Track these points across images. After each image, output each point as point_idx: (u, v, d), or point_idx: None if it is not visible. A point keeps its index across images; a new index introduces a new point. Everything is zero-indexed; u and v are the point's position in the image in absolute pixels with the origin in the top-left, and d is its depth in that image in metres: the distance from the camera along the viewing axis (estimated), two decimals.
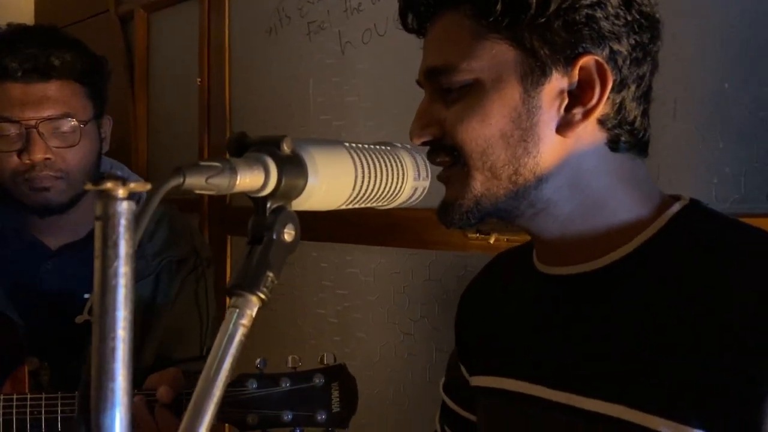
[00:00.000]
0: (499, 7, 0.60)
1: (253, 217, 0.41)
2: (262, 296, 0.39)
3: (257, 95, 1.57)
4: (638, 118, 0.64)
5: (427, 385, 1.23)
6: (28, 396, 0.98)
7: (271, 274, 0.39)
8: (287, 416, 0.87)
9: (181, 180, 0.35)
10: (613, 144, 0.64)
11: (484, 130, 0.62)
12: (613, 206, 0.64)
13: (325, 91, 1.41)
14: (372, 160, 0.49)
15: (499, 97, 0.62)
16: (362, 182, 0.48)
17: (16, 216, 1.11)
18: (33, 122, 1.03)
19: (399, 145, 0.57)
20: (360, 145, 0.50)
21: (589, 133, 0.63)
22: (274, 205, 0.41)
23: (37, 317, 1.09)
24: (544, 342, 0.68)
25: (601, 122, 0.63)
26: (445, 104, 0.65)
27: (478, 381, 0.76)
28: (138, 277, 1.11)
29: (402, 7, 0.69)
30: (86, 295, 1.12)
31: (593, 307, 0.64)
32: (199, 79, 1.68)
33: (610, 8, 0.60)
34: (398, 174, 0.53)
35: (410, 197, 0.57)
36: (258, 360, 0.89)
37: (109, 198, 0.29)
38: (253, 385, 0.87)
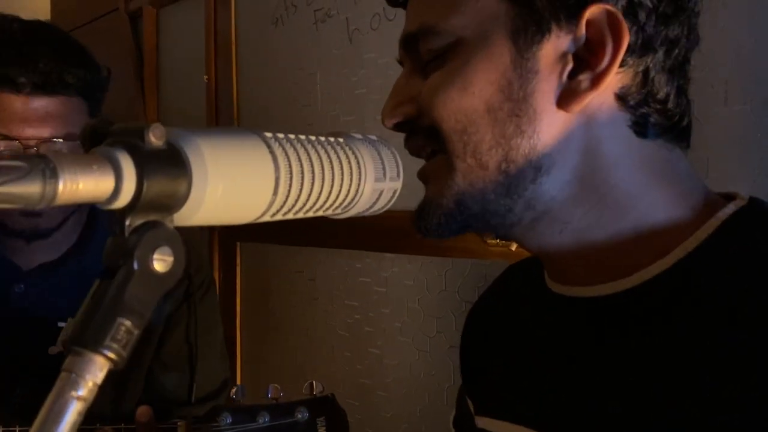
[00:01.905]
0: None
1: (110, 238, 0.29)
2: (112, 356, 0.27)
3: (265, 90, 1.46)
4: (671, 97, 0.49)
5: (446, 410, 1.10)
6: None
7: (126, 323, 0.27)
8: None
9: None
10: (640, 126, 0.49)
11: (465, 101, 0.48)
12: (642, 208, 0.49)
13: (333, 83, 1.30)
14: (307, 156, 0.37)
15: (485, 58, 0.48)
16: (288, 185, 0.35)
17: None
18: (33, 142, 0.91)
19: (359, 136, 0.44)
20: (293, 137, 0.37)
21: (606, 111, 0.48)
22: (138, 222, 0.29)
23: (6, 346, 0.98)
24: (558, 382, 0.54)
25: (621, 97, 0.48)
26: (423, 77, 0.52)
27: (483, 423, 0.63)
28: None
29: None
30: (61, 324, 1.00)
31: (618, 340, 0.49)
32: (206, 77, 1.58)
33: None
34: (350, 174, 0.40)
35: (373, 203, 0.44)
36: (234, 388, 0.77)
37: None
38: (226, 419, 0.75)
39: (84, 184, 0.26)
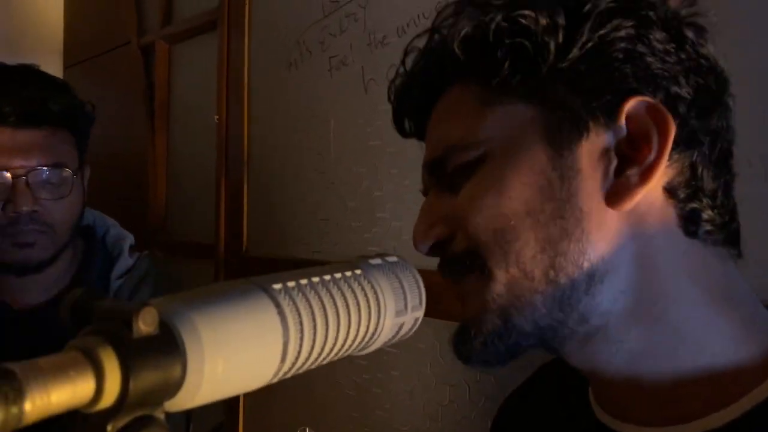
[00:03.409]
0: (507, 64, 0.44)
1: None
2: None
3: (276, 134, 1.43)
4: (719, 193, 0.46)
5: None
6: None
7: None
8: None
9: None
10: (691, 224, 0.45)
11: (502, 206, 0.45)
12: (701, 339, 0.44)
13: (347, 134, 1.26)
14: (320, 305, 0.32)
15: (519, 162, 0.45)
16: (299, 346, 0.31)
17: None
18: (22, 171, 0.92)
19: (378, 260, 0.39)
20: (303, 282, 0.33)
21: (657, 210, 0.45)
22: (121, 424, 0.24)
23: None
24: None
25: (670, 191, 0.45)
26: (453, 192, 0.48)
27: None
28: None
29: (396, 112, 0.54)
30: None
31: None
32: (217, 117, 1.55)
33: (656, 43, 0.44)
34: (368, 315, 0.36)
35: (395, 335, 0.40)
36: None
37: None
38: None
39: (57, 395, 0.22)
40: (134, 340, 0.24)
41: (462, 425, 1.04)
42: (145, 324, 0.24)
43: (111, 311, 0.25)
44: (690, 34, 0.46)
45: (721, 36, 0.48)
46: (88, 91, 1.20)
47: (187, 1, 1.74)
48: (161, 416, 0.26)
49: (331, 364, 1.26)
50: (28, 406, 0.21)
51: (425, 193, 0.52)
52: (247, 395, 1.45)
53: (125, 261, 1.04)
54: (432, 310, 1.13)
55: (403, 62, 0.54)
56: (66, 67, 2.20)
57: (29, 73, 0.98)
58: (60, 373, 0.22)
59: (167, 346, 0.25)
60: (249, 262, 1.47)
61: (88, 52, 2.06)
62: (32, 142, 0.93)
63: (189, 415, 0.98)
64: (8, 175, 0.91)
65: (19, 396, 0.21)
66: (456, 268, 0.48)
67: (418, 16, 1.13)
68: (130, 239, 1.08)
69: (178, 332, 0.26)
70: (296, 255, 1.35)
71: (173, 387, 0.26)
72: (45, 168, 0.93)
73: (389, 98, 0.55)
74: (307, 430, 0.78)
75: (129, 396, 0.24)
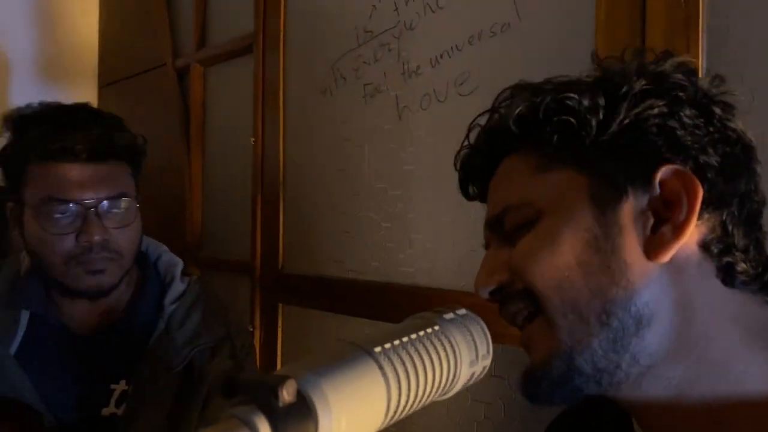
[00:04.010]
0: (555, 137, 0.52)
1: None
2: None
3: (312, 156, 1.48)
4: (751, 248, 0.51)
5: None
6: None
7: None
8: None
9: None
10: (727, 275, 0.51)
11: (556, 259, 0.51)
12: (738, 370, 0.50)
13: (382, 157, 1.31)
14: (410, 362, 0.38)
15: (569, 221, 0.52)
16: (399, 398, 0.36)
17: (43, 301, 1.06)
18: (92, 203, 0.99)
19: (451, 315, 0.45)
20: (396, 343, 0.38)
21: (693, 262, 0.51)
22: None
23: (63, 408, 1.02)
24: None
25: (705, 247, 0.51)
26: (510, 245, 0.54)
27: None
28: (164, 370, 1.03)
29: (462, 178, 0.61)
30: (113, 386, 1.04)
31: None
32: (253, 139, 1.61)
33: (686, 119, 0.51)
34: (449, 364, 0.41)
35: (468, 381, 0.45)
36: None
37: None
38: None
39: None
40: (280, 408, 0.30)
41: None
42: (288, 394, 0.30)
43: (258, 382, 0.30)
44: (718, 110, 0.52)
45: None
46: (123, 111, 1.26)
47: (221, 25, 1.81)
48: None
49: None
50: None
51: (486, 247, 0.58)
52: None
53: (177, 286, 1.10)
54: None
55: (467, 136, 0.60)
56: (101, 87, 2.27)
57: (91, 112, 1.05)
58: None
59: (305, 410, 0.31)
60: (284, 279, 1.53)
61: (123, 73, 2.13)
62: (100, 175, 1.00)
63: None
64: (80, 207, 0.98)
65: None
66: (516, 307, 0.53)
67: (452, 48, 1.18)
68: (180, 265, 1.14)
69: (311, 400, 0.31)
70: (331, 273, 1.41)
71: None
72: (112, 199, 1.01)
73: (455, 166, 0.62)
74: None
75: None
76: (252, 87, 1.62)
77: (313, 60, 1.47)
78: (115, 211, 1.01)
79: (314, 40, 1.47)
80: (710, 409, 0.50)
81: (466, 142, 0.61)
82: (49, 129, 1.00)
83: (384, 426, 0.36)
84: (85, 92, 2.25)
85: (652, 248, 0.50)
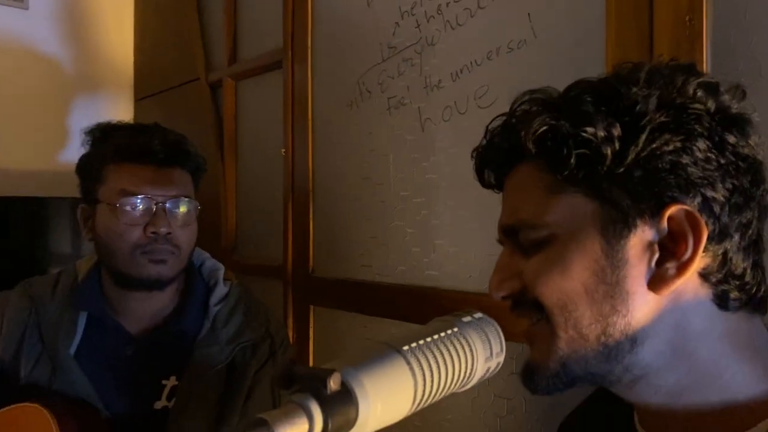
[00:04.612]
0: (573, 160, 0.55)
1: None
2: None
3: (339, 166, 1.56)
4: (748, 271, 0.56)
5: None
6: None
7: None
8: None
9: None
10: (721, 300, 0.56)
11: (565, 284, 0.56)
12: (725, 379, 0.55)
13: (405, 167, 1.38)
14: (433, 358, 0.45)
15: (579, 249, 0.56)
16: (423, 388, 0.44)
17: (100, 303, 1.16)
18: (162, 199, 1.12)
19: (468, 318, 0.52)
20: (421, 343, 0.45)
21: (691, 289, 0.55)
22: None
23: (118, 403, 1.12)
24: None
25: (704, 276, 0.55)
26: (524, 256, 0.60)
27: None
28: (210, 366, 1.12)
29: (477, 165, 0.65)
30: (164, 381, 1.14)
31: None
32: (283, 150, 1.69)
33: (698, 152, 0.53)
34: (466, 361, 0.48)
35: (484, 375, 0.52)
36: None
37: None
38: None
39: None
40: (328, 395, 0.37)
41: None
42: (335, 384, 0.37)
43: (311, 374, 0.38)
44: (732, 138, 0.55)
45: None
46: (159, 123, 1.37)
47: (251, 41, 1.90)
48: None
49: None
50: None
51: (500, 242, 0.64)
52: None
53: (221, 289, 1.19)
54: None
55: (485, 135, 0.65)
56: (137, 100, 2.38)
57: (164, 127, 1.20)
58: (288, 419, 0.35)
59: (348, 398, 0.38)
60: (315, 282, 1.61)
61: (158, 87, 2.24)
62: (169, 177, 1.14)
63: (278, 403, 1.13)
64: (150, 202, 1.11)
65: None
66: (525, 312, 0.60)
67: (471, 63, 1.25)
68: (222, 269, 1.24)
69: (353, 389, 0.39)
70: (359, 277, 1.48)
71: (351, 424, 0.39)
72: (179, 198, 1.14)
73: (472, 156, 0.66)
74: None
75: (329, 430, 0.37)
76: (281, 100, 1.70)
77: (340, 74, 1.54)
78: (179, 210, 1.14)
79: (341, 56, 1.54)
80: (699, 412, 0.56)
81: (485, 140, 0.64)
82: (128, 134, 1.15)
83: (411, 413, 0.43)
84: (122, 105, 2.36)
85: (655, 282, 0.54)
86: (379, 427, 0.41)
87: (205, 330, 1.15)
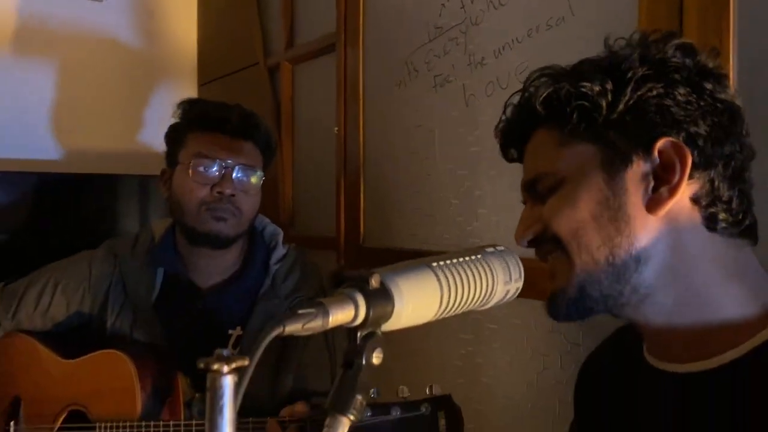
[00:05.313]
0: (575, 115, 0.65)
1: (347, 343, 0.48)
2: (352, 417, 0.45)
3: (388, 142, 1.66)
4: (734, 198, 0.64)
5: None
6: (182, 423, 1.14)
7: (359, 398, 0.45)
8: None
9: (281, 329, 0.42)
10: (710, 222, 0.64)
11: (576, 214, 0.66)
12: (716, 301, 0.63)
13: (450, 141, 1.47)
14: (458, 275, 0.54)
15: (585, 185, 0.66)
16: (448, 297, 0.53)
17: (174, 260, 1.31)
18: (230, 164, 1.26)
19: (492, 249, 0.61)
20: (448, 262, 0.54)
21: (685, 214, 0.64)
22: (365, 332, 0.47)
23: (189, 351, 1.25)
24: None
25: (695, 200, 0.64)
26: (542, 204, 0.69)
27: None
28: (271, 317, 1.25)
29: (502, 145, 0.76)
30: (230, 331, 1.27)
31: (702, 408, 0.63)
32: (336, 129, 1.80)
33: (679, 96, 0.63)
34: (487, 281, 0.57)
35: (503, 297, 0.61)
36: (372, 390, 0.96)
37: (216, 375, 0.37)
38: (367, 413, 0.95)
39: (341, 315, 0.45)
40: (370, 290, 0.47)
41: (555, 389, 1.23)
42: (375, 282, 0.47)
43: (357, 277, 0.47)
44: (709, 85, 0.64)
45: None
46: None
47: (306, 26, 2.01)
48: (380, 333, 0.48)
49: (441, 341, 1.52)
50: (331, 319, 0.44)
51: (524, 203, 0.73)
52: None
53: (280, 251, 1.33)
54: (527, 291, 1.34)
55: (504, 111, 0.75)
56: (200, 84, 2.53)
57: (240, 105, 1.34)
58: (339, 304, 0.45)
59: (386, 294, 0.48)
60: (365, 252, 1.72)
61: (220, 72, 2.38)
62: (241, 147, 1.28)
63: (333, 373, 1.25)
64: (220, 165, 1.25)
65: (327, 315, 0.44)
66: (546, 249, 0.69)
67: (513, 40, 1.32)
68: (281, 234, 1.37)
69: (390, 289, 0.48)
70: (407, 246, 1.58)
71: (387, 317, 0.48)
72: (245, 167, 1.27)
73: (495, 135, 0.76)
74: (434, 386, 0.99)
75: (369, 320, 0.47)
76: (335, 81, 1.81)
77: (389, 55, 1.64)
78: (245, 178, 1.27)
79: (389, 38, 1.64)
80: (694, 331, 0.64)
81: (503, 117, 0.75)
82: (211, 106, 1.31)
83: (435, 318, 0.53)
84: (186, 90, 2.52)
85: (651, 205, 0.64)
86: (408, 325, 0.50)
87: (266, 286, 1.28)
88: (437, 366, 1.50)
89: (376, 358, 0.47)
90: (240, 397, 0.37)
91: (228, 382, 0.37)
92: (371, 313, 0.47)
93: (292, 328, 0.42)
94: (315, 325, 0.43)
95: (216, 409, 0.36)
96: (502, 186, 1.34)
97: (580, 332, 1.18)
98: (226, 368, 0.37)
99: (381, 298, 0.48)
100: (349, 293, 0.46)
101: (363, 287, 0.47)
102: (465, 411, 1.41)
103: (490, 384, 1.37)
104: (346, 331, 0.48)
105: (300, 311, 0.43)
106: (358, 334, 0.47)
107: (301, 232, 2.01)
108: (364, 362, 0.46)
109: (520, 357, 1.30)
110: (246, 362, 0.38)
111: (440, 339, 1.49)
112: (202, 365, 0.37)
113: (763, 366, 0.60)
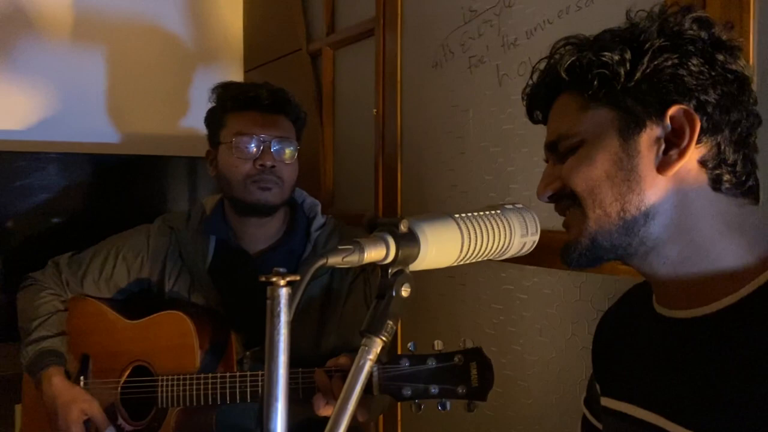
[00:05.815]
0: (596, 82, 0.71)
1: (379, 278, 0.56)
2: (384, 339, 0.53)
3: (424, 122, 1.73)
4: (739, 162, 0.69)
5: (578, 400, 1.29)
6: (238, 374, 1.24)
7: (390, 322, 0.54)
8: (434, 390, 1.03)
9: (325, 261, 0.50)
10: (715, 183, 0.70)
11: (592, 172, 0.72)
12: (717, 252, 0.69)
13: (484, 120, 1.53)
14: (478, 226, 0.62)
15: (602, 146, 0.72)
16: (468, 245, 0.60)
17: (224, 229, 1.43)
18: (269, 138, 1.38)
19: (511, 206, 0.68)
20: (470, 214, 0.62)
21: (693, 175, 0.70)
22: (394, 270, 0.55)
23: (241, 312, 1.36)
24: (661, 376, 0.75)
25: (702, 163, 0.70)
26: (562, 163, 0.75)
27: (606, 402, 0.84)
28: (314, 276, 1.35)
29: (528, 108, 0.82)
30: None
31: (701, 349, 0.70)
32: (375, 110, 1.88)
33: (692, 67, 0.68)
34: (505, 233, 0.64)
35: (520, 249, 0.68)
36: (409, 343, 1.05)
37: (275, 286, 0.45)
38: (405, 363, 1.04)
39: (375, 253, 0.53)
40: (399, 234, 0.55)
41: (582, 354, 1.29)
42: (404, 227, 0.55)
43: (388, 222, 0.55)
44: (721, 56, 0.69)
45: None
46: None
47: (346, 12, 2.09)
48: (408, 271, 0.56)
49: (474, 309, 1.61)
50: (366, 255, 0.52)
51: (546, 161, 0.79)
52: (401, 328, 1.79)
53: (319, 220, 1.43)
54: (555, 262, 1.40)
55: (531, 76, 0.82)
56: (246, 71, 2.64)
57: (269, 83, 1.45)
58: (373, 244, 0.53)
59: (413, 238, 0.56)
60: None
61: (264, 58, 2.48)
62: (275, 122, 1.40)
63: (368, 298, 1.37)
64: (259, 141, 1.37)
65: (362, 251, 0.52)
66: (564, 204, 0.75)
67: (544, 21, 1.37)
68: (319, 205, 1.48)
69: (416, 233, 0.56)
70: None
71: (413, 258, 0.56)
72: (281, 140, 1.39)
73: (522, 99, 0.83)
74: (466, 339, 1.07)
75: (398, 259, 0.54)
76: (374, 65, 1.88)
77: (426, 39, 1.70)
78: (282, 149, 1.39)
79: (426, 22, 1.70)
80: (697, 281, 0.70)
81: (530, 81, 0.81)
82: (244, 86, 1.42)
83: (455, 264, 0.60)
84: (233, 76, 2.63)
85: (662, 166, 0.70)
86: (432, 267, 0.58)
87: (308, 251, 1.39)
88: (470, 335, 1.57)
89: (405, 291, 0.55)
90: (294, 307, 0.46)
91: (283, 293, 0.46)
92: (400, 253, 0.54)
93: (334, 260, 0.51)
94: (352, 259, 0.51)
95: (274, 315, 0.45)
96: (533, 162, 1.40)
97: (607, 300, 1.24)
98: (282, 281, 0.46)
99: (409, 241, 0.55)
100: (382, 235, 0.54)
101: (393, 231, 0.55)
102: (497, 377, 1.48)
103: (520, 351, 1.44)
104: (380, 270, 0.56)
105: (340, 247, 0.51)
106: (389, 271, 0.55)
107: (341, 210, 2.10)
108: (394, 294, 0.54)
109: (549, 325, 1.36)
110: (298, 278, 0.46)
111: (474, 309, 1.56)
112: (263, 278, 0.45)
113: (756, 310, 0.66)
